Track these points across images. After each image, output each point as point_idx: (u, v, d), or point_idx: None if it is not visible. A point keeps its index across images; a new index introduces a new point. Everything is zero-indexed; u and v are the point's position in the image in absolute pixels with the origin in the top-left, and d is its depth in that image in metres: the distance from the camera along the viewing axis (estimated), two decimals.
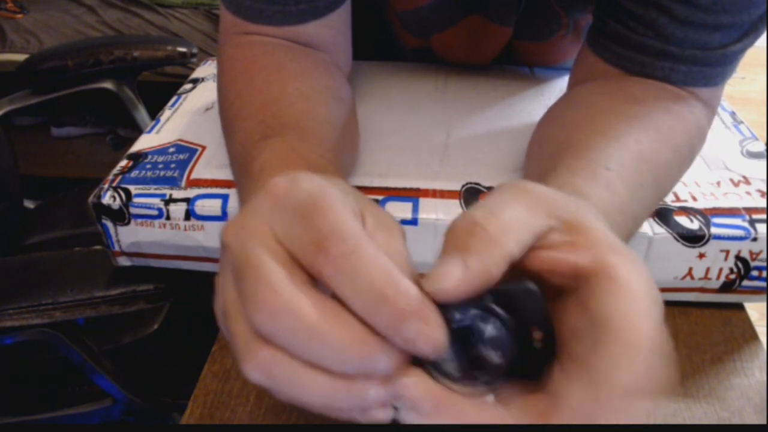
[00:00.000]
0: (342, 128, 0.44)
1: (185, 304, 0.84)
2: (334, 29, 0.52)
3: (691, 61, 0.43)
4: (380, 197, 0.48)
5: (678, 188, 0.50)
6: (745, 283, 0.48)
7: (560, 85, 0.65)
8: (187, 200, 0.49)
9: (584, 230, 0.24)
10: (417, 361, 0.23)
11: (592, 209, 0.27)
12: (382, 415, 0.23)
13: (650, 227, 0.46)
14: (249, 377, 0.23)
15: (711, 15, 0.41)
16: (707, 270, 0.48)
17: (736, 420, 0.43)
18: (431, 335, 0.21)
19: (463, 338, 0.23)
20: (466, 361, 0.23)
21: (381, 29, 0.69)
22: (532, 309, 0.24)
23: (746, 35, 0.42)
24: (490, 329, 0.23)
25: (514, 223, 0.24)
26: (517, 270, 0.24)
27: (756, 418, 0.43)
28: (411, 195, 0.48)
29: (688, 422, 0.43)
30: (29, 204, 1.10)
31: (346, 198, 0.24)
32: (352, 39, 0.55)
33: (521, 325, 0.24)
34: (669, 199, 0.48)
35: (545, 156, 0.43)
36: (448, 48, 0.65)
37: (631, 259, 0.23)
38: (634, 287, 0.22)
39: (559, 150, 0.40)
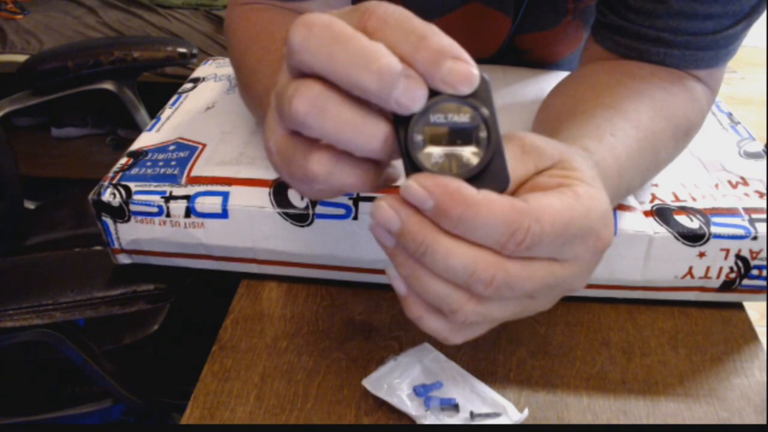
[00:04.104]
0: None
1: (185, 304, 0.84)
2: (335, 9, 0.54)
3: (683, 46, 0.47)
4: (380, 195, 0.48)
5: (677, 189, 0.50)
6: (745, 282, 0.48)
7: None
8: (187, 197, 0.49)
9: (572, 168, 0.29)
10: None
11: (580, 152, 0.33)
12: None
13: (651, 226, 0.46)
14: (294, 111, 0.25)
15: (703, 6, 0.44)
16: (707, 269, 0.48)
17: (736, 420, 0.43)
18: (468, 70, 0.24)
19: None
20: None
21: None
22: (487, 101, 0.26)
23: (738, 23, 0.46)
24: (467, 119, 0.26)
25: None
26: None
27: (756, 418, 0.43)
28: None
29: (688, 422, 0.43)
30: (29, 205, 1.10)
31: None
32: None
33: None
34: (669, 199, 0.48)
35: (552, 119, 0.47)
36: None
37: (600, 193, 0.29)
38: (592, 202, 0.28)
39: (566, 116, 0.44)
